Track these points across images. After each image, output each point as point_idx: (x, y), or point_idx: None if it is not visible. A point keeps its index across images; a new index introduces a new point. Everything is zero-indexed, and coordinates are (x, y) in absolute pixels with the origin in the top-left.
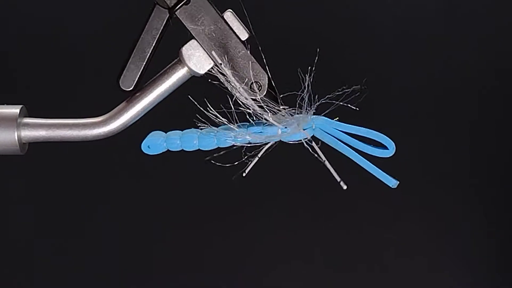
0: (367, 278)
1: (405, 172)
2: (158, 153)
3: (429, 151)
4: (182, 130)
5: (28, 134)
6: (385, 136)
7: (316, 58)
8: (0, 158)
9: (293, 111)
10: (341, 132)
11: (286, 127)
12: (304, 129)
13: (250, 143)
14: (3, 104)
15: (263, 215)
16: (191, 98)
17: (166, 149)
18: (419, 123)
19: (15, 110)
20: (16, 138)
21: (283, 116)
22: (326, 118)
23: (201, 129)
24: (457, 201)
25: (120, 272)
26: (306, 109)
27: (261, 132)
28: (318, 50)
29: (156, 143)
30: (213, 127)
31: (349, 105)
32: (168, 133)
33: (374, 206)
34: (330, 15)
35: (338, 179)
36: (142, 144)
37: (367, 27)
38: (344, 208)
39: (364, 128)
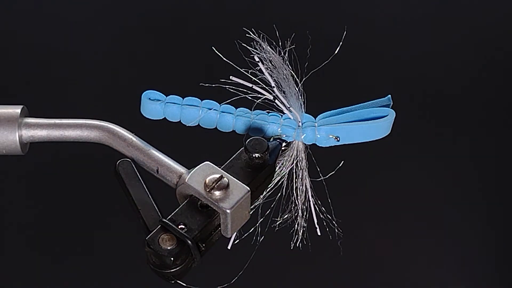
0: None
1: (404, 172)
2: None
3: (430, 152)
4: None
5: (29, 134)
6: (381, 108)
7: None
8: (0, 158)
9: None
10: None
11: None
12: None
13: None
14: (3, 104)
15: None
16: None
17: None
18: (418, 124)
19: (16, 110)
20: (17, 138)
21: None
22: (328, 126)
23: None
24: (458, 202)
25: (121, 272)
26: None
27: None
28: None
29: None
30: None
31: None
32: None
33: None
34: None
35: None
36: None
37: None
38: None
39: (358, 111)
